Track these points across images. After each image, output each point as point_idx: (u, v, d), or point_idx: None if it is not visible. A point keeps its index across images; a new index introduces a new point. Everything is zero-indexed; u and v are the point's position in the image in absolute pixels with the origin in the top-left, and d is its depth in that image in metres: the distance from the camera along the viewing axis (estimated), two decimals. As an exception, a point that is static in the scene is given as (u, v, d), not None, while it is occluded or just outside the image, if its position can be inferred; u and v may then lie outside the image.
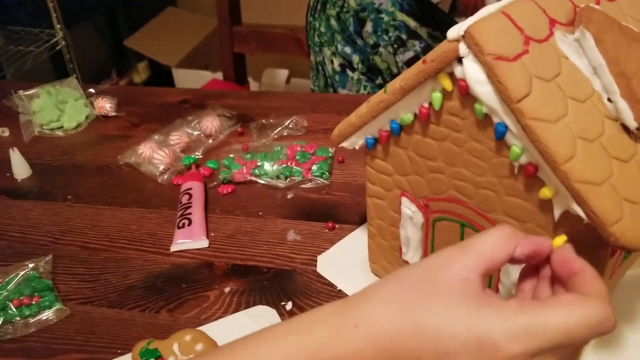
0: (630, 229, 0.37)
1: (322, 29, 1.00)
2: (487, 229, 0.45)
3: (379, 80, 0.99)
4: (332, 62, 1.02)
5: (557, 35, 0.41)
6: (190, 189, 0.72)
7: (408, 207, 0.51)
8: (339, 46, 0.98)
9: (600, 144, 0.39)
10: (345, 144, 0.52)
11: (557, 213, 0.40)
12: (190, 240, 0.65)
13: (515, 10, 0.40)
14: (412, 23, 0.94)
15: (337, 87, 1.04)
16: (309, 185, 0.73)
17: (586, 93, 0.40)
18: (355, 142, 0.51)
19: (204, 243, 0.65)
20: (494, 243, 0.35)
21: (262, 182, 0.73)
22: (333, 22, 0.98)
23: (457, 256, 0.34)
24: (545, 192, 0.40)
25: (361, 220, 0.66)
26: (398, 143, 0.48)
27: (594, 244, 0.40)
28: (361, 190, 0.71)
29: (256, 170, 0.74)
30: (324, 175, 0.73)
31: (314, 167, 0.73)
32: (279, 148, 0.77)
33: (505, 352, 0.31)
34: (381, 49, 0.95)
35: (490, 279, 0.48)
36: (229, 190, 0.73)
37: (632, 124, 0.40)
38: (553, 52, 0.40)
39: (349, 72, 1.00)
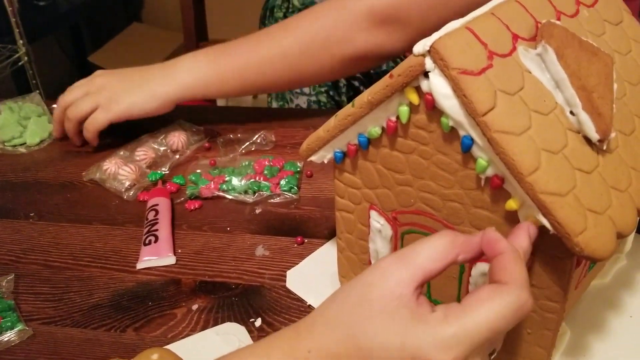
0: (595, 239, 0.38)
1: None
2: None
3: None
4: None
5: (520, 50, 0.42)
6: (157, 205, 0.71)
7: (377, 220, 0.51)
8: None
9: (563, 156, 0.40)
10: (313, 158, 0.52)
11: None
12: (156, 257, 0.64)
13: (479, 26, 0.41)
14: None
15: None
16: (277, 200, 0.73)
17: (549, 106, 0.41)
18: (324, 156, 0.51)
19: (170, 260, 0.64)
20: (432, 255, 0.37)
21: (230, 197, 0.73)
22: None
23: (393, 269, 0.36)
24: (511, 204, 0.41)
25: (330, 234, 0.66)
26: (366, 157, 0.49)
27: (560, 254, 0.41)
28: (330, 204, 0.71)
29: (224, 186, 0.73)
30: (292, 190, 0.73)
31: (283, 182, 0.73)
32: (246, 163, 0.76)
33: None
34: None
35: (459, 290, 0.49)
36: (196, 206, 0.72)
37: (594, 136, 0.41)
38: (516, 67, 0.41)
39: None
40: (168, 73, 0.82)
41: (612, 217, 0.40)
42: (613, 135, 0.43)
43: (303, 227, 0.68)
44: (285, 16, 1.01)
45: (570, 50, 0.43)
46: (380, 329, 0.34)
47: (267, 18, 1.06)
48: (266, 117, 0.91)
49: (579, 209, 0.38)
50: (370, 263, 0.54)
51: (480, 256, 0.38)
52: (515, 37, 0.42)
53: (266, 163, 0.76)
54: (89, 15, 2.35)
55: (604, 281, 0.57)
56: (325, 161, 0.52)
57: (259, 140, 0.82)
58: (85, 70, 2.36)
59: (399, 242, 0.51)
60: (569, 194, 0.38)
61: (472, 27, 0.40)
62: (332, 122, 0.48)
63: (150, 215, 0.69)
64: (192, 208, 0.72)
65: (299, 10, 0.99)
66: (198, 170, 0.77)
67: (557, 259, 0.41)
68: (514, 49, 0.42)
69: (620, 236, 0.40)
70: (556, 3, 0.47)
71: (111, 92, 0.81)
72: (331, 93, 1.05)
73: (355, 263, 0.56)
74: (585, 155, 0.41)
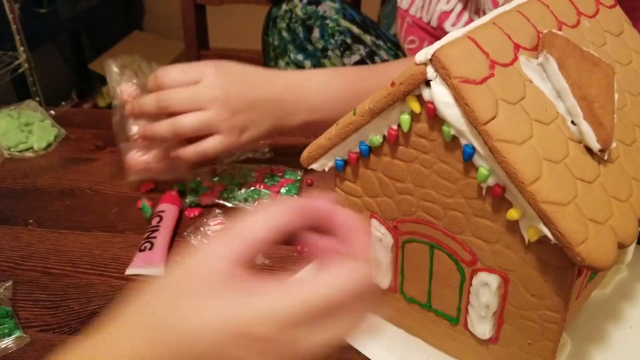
0: (596, 249, 0.38)
1: (276, 42, 1.04)
2: (457, 251, 0.45)
3: None
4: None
5: (521, 59, 0.42)
6: (163, 211, 0.70)
7: (377, 229, 0.51)
8: (292, 55, 1.02)
9: (565, 165, 0.40)
10: (314, 166, 0.52)
11: (525, 234, 0.41)
12: (147, 265, 0.63)
13: (480, 35, 0.41)
14: (355, 30, 0.99)
15: None
16: (277, 208, 0.72)
17: (550, 116, 0.41)
18: (325, 163, 0.51)
19: (159, 270, 0.63)
20: (258, 224, 0.34)
21: (229, 205, 0.73)
22: (284, 33, 1.02)
23: (214, 247, 0.34)
24: (513, 213, 0.41)
25: (330, 243, 0.66)
26: (367, 165, 0.48)
27: (561, 264, 0.41)
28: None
29: (224, 194, 0.73)
30: (292, 197, 0.73)
31: (283, 190, 0.73)
32: (247, 171, 0.76)
33: (255, 337, 0.31)
34: (329, 52, 0.99)
35: (460, 300, 0.49)
36: (196, 214, 0.72)
37: (595, 146, 0.41)
38: (518, 76, 0.41)
39: None
40: (298, 98, 0.71)
41: (614, 227, 0.40)
42: (614, 145, 0.43)
43: (302, 235, 0.68)
44: (288, 27, 1.01)
45: (571, 60, 0.43)
46: (198, 311, 0.32)
47: (270, 29, 1.07)
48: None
49: (581, 219, 0.38)
50: (370, 272, 0.54)
51: (317, 225, 0.37)
52: (517, 47, 0.42)
53: (266, 171, 0.76)
54: (89, 23, 2.36)
55: (604, 292, 0.57)
56: (327, 169, 0.51)
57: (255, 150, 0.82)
58: (86, 77, 2.37)
59: (399, 251, 0.51)
60: (570, 203, 0.38)
61: (474, 37, 0.40)
62: (333, 130, 0.48)
63: (155, 221, 0.69)
64: (191, 216, 0.72)
65: (302, 20, 1.00)
66: (198, 178, 0.76)
67: (558, 268, 0.41)
68: (516, 58, 0.42)
69: (622, 246, 0.40)
70: (557, 13, 0.47)
71: (234, 115, 0.67)
72: None
73: (355, 272, 0.56)
74: (586, 165, 0.41)
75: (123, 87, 0.70)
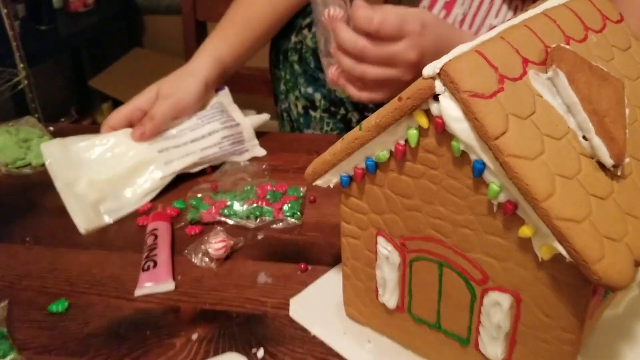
0: (613, 267, 0.36)
1: (287, 76, 1.03)
2: (467, 269, 0.44)
3: (341, 111, 1.01)
4: (296, 106, 1.04)
5: (530, 74, 0.41)
6: (156, 229, 0.69)
7: (384, 247, 0.50)
8: (302, 89, 1.01)
9: (578, 181, 0.39)
10: (319, 182, 0.51)
11: (538, 252, 0.40)
12: (155, 283, 0.62)
13: (488, 49, 0.40)
14: None
15: (302, 129, 1.05)
16: (280, 225, 0.71)
17: (561, 131, 0.40)
18: (330, 180, 0.50)
19: (169, 286, 0.62)
20: None
21: (231, 222, 0.71)
22: (296, 66, 1.00)
23: None
24: (525, 231, 0.39)
25: (334, 261, 0.65)
26: (373, 181, 0.47)
27: (576, 283, 0.40)
28: (334, 230, 0.69)
29: (225, 210, 0.72)
30: (295, 215, 0.71)
31: (285, 207, 0.72)
32: (248, 187, 0.75)
33: None
34: None
35: (470, 320, 0.47)
36: (197, 232, 0.71)
37: (608, 161, 0.40)
38: (527, 91, 0.40)
39: (312, 112, 1.02)
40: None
41: (629, 245, 0.38)
42: (627, 160, 0.42)
43: (306, 254, 0.67)
44: (300, 58, 1.00)
45: (580, 75, 0.42)
46: None
47: (281, 62, 1.05)
48: (268, 142, 0.90)
49: (596, 236, 0.37)
50: (377, 291, 0.53)
51: None
52: (526, 61, 0.42)
53: (269, 188, 0.75)
54: (89, 40, 2.36)
55: (616, 312, 0.55)
56: (332, 185, 0.50)
57: (262, 165, 0.81)
58: (86, 94, 2.36)
59: (407, 269, 0.49)
60: (585, 220, 0.37)
61: (482, 50, 0.40)
62: (338, 145, 0.47)
63: (150, 240, 0.67)
64: (192, 233, 0.71)
65: (313, 50, 0.98)
66: (199, 195, 0.75)
67: (572, 287, 0.40)
68: (525, 72, 0.41)
69: (638, 264, 0.39)
70: (565, 28, 0.46)
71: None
72: (340, 126, 1.04)
73: (361, 291, 0.55)
74: (599, 181, 0.40)
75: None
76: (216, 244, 0.66)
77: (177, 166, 0.79)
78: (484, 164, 0.39)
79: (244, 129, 0.85)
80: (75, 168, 0.77)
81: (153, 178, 0.78)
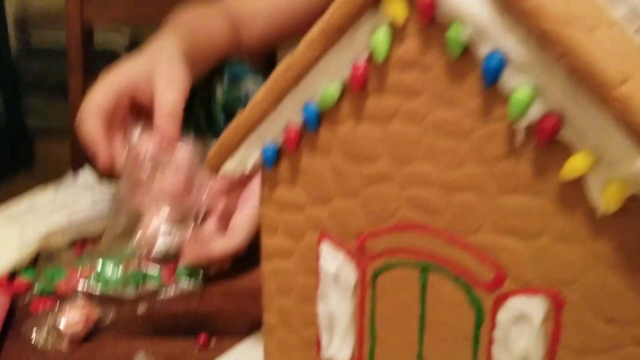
0: None
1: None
2: (468, 269, 0.28)
3: None
4: None
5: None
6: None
7: (331, 260, 0.32)
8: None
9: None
10: (229, 167, 0.33)
11: (599, 199, 0.24)
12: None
13: None
14: None
15: None
16: (171, 292, 0.51)
17: (609, 19, 0.27)
18: (245, 159, 0.33)
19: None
20: None
21: (99, 293, 0.50)
22: (202, 124, 0.85)
23: None
24: (577, 163, 0.24)
25: (251, 329, 0.45)
26: (315, 146, 0.31)
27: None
28: (250, 295, 0.50)
29: (93, 278, 0.51)
30: (194, 278, 0.52)
31: (180, 270, 0.52)
32: (128, 249, 0.55)
33: None
34: None
35: (477, 331, 0.29)
36: (46, 307, 0.49)
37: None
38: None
39: None
40: None
41: None
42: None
43: (210, 325, 0.47)
44: (207, 114, 0.86)
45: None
46: None
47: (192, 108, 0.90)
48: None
49: None
50: (318, 343, 0.34)
51: None
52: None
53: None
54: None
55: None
56: (248, 169, 0.33)
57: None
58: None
59: (368, 291, 0.32)
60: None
61: None
62: (260, 92, 0.31)
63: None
64: (39, 309, 0.49)
65: (223, 105, 0.84)
66: (59, 261, 0.54)
67: (658, 260, 0.24)
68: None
69: None
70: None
71: None
72: None
73: (293, 350, 0.35)
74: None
75: None
76: (71, 315, 0.45)
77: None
78: (504, 55, 0.24)
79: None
80: None
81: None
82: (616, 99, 0.22)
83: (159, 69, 0.53)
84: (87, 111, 0.51)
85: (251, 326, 0.45)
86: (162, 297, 0.51)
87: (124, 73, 0.54)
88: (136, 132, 0.51)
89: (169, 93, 0.51)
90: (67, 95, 0.97)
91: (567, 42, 0.22)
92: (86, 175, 0.67)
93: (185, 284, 0.51)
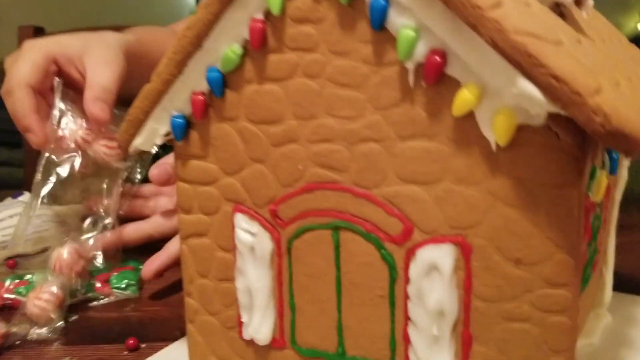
0: (620, 102, 0.21)
1: None
2: (377, 223, 0.27)
3: None
4: None
5: None
6: None
7: (246, 230, 0.31)
8: None
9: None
10: (138, 142, 0.33)
11: (491, 133, 0.24)
12: None
13: None
14: None
15: None
16: (104, 301, 0.49)
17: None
18: (155, 130, 0.32)
19: None
20: None
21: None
22: None
23: None
24: (466, 96, 0.24)
25: (183, 334, 0.43)
26: (222, 112, 0.31)
27: (561, 180, 0.24)
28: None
29: (22, 290, 0.49)
30: (130, 288, 0.50)
31: (114, 278, 0.51)
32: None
33: None
34: None
35: (393, 323, 0.28)
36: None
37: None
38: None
39: None
40: None
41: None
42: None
43: (142, 331, 0.45)
44: None
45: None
46: None
47: None
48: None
49: (582, 65, 0.22)
50: (240, 324, 0.33)
51: None
52: None
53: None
54: None
55: (592, 341, 0.39)
56: (158, 142, 0.33)
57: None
58: None
59: (285, 259, 0.31)
60: (559, 45, 0.23)
61: None
62: (162, 60, 0.31)
63: None
64: (-36, 324, 0.46)
65: None
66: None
67: (555, 190, 0.24)
68: None
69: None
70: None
71: None
72: None
73: (216, 333, 0.34)
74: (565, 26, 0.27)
75: None
76: None
77: None
78: (387, -1, 0.24)
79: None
80: None
81: None
82: (492, 21, 0.22)
83: (93, 48, 0.52)
84: (17, 85, 0.49)
85: (184, 331, 0.44)
86: (95, 304, 0.49)
87: (54, 43, 0.52)
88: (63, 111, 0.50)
89: (102, 75, 0.49)
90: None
91: (443, -29, 0.22)
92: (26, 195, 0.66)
93: (119, 292, 0.50)
